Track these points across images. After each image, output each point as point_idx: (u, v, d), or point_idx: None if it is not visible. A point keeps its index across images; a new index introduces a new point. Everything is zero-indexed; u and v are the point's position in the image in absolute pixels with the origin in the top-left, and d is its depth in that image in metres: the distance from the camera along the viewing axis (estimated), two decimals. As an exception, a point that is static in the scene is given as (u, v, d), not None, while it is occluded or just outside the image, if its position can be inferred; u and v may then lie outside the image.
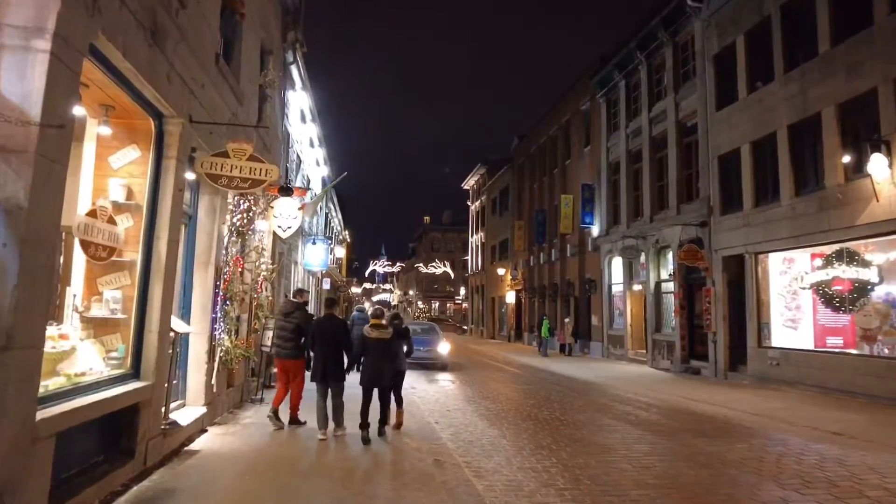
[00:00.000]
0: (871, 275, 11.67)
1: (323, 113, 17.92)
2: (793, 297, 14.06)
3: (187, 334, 7.11)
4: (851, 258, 12.05)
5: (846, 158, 11.95)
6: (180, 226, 6.05)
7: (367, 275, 78.28)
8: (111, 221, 4.89)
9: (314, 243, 17.92)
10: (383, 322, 7.73)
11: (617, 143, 22.87)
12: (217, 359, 7.58)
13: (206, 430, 7.14)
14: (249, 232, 8.57)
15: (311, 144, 18.91)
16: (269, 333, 9.86)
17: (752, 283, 14.82)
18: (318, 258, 18.04)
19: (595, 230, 24.30)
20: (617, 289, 22.85)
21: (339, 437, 7.20)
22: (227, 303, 7.70)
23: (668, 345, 18.87)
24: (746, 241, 14.92)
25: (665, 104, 19.47)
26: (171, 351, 6.19)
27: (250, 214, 8.28)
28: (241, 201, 8.14)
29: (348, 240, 48.42)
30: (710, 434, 8.44)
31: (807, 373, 12.83)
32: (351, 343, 7.54)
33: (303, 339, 7.74)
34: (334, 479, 5.51)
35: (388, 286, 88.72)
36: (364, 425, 7.14)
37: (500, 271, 37.70)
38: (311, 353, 7.66)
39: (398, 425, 8.01)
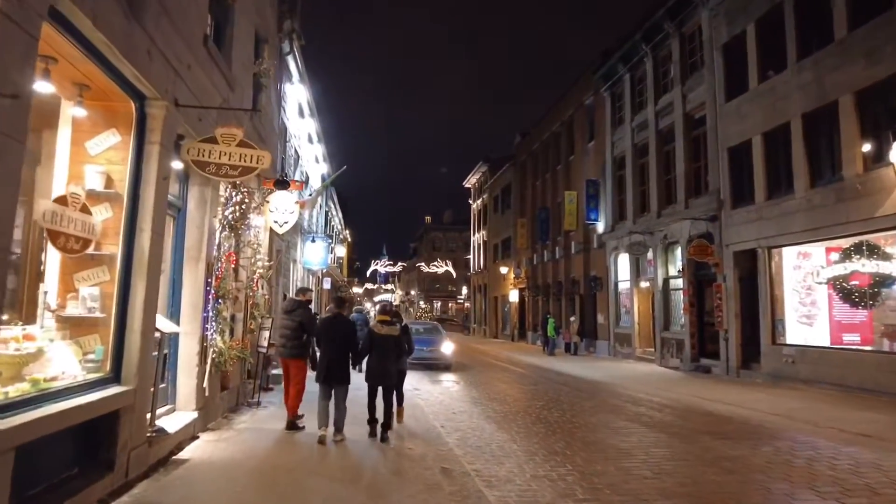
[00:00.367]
0: (892, 268, 11.21)
1: (321, 108, 17.50)
2: (808, 293, 13.60)
3: (176, 334, 6.67)
4: (871, 251, 11.59)
5: (866, 147, 11.50)
6: (165, 217, 5.61)
7: (368, 275, 77.81)
8: (85, 210, 4.45)
9: (314, 241, 17.48)
10: (391, 318, 7.50)
11: (622, 138, 22.41)
12: (209, 360, 7.14)
13: (197, 437, 6.71)
14: (243, 227, 8.12)
15: (310, 140, 18.48)
16: (266, 334, 9.47)
17: (765, 279, 14.36)
18: (317, 256, 17.61)
19: (600, 227, 23.85)
20: (623, 286, 22.39)
21: (339, 442, 6.81)
22: (220, 301, 7.27)
23: (678, 343, 18.41)
24: (759, 236, 14.46)
25: (672, 96, 19.01)
26: (156, 352, 5.75)
27: (244, 207, 7.83)
28: (234, 193, 7.69)
29: (349, 239, 48.01)
30: (730, 436, 8.00)
31: (825, 371, 12.36)
32: (357, 344, 7.25)
33: (304, 338, 7.59)
34: (334, 491, 5.07)
35: (389, 286, 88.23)
36: (372, 420, 7.08)
37: (503, 270, 37.25)
38: (317, 353, 7.43)
39: (398, 421, 7.94)
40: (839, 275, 12.34)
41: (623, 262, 22.35)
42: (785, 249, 14.04)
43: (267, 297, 10.23)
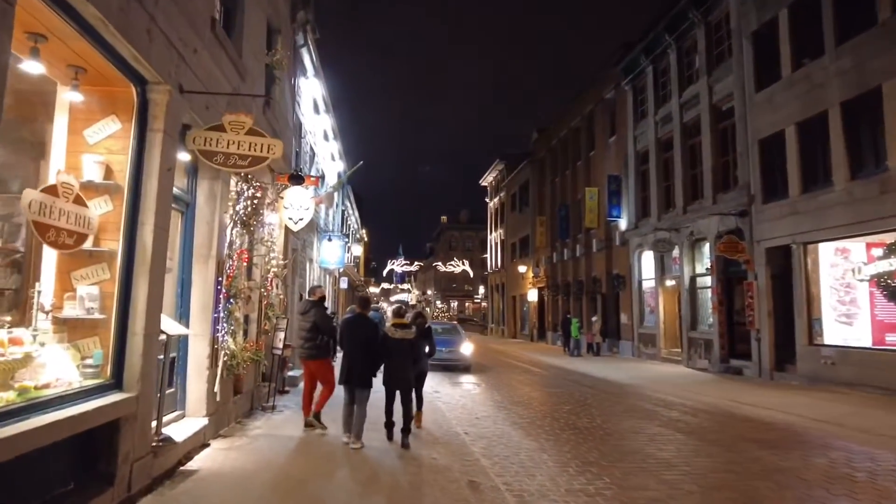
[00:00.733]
0: (943, 264, 10.51)
1: (337, 104, 17.15)
2: (847, 291, 12.90)
3: (185, 337, 6.31)
4: (919, 246, 10.90)
5: (912, 136, 10.81)
6: (170, 211, 5.23)
7: (384, 274, 77.65)
8: (79, 202, 4.08)
9: (330, 240, 17.13)
10: (406, 321, 7.24)
11: (645, 132, 21.76)
12: (220, 363, 6.77)
13: (208, 445, 6.33)
14: (256, 223, 7.74)
15: (326, 137, 18.14)
16: (281, 335, 9.11)
17: (800, 276, 13.67)
18: (334, 255, 17.25)
19: (623, 224, 23.21)
20: (648, 285, 21.74)
21: (357, 450, 6.43)
22: (231, 301, 6.89)
23: (706, 343, 17.75)
24: (794, 231, 13.78)
25: (697, 88, 18.34)
26: (162, 356, 5.38)
27: (256, 202, 7.45)
28: (247, 188, 7.32)
29: (365, 239, 47.78)
30: (776, 445, 7.43)
31: (869, 373, 11.67)
32: (380, 347, 6.91)
33: (320, 338, 7.39)
34: (351, 507, 4.65)
35: (405, 286, 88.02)
36: (389, 424, 6.89)
37: (522, 269, 36.66)
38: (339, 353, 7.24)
39: (417, 426, 7.70)
40: (883, 272, 11.65)
41: (647, 260, 21.71)
42: (822, 245, 13.34)
43: (282, 296, 9.87)
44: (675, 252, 19.52)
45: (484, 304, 62.02)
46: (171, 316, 6.14)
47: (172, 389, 6.18)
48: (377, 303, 48.26)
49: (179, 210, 6.41)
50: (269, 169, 9.16)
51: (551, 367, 18.74)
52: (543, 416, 9.33)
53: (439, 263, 70.53)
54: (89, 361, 4.33)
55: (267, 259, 9.03)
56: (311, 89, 14.29)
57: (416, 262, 79.15)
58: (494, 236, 47.32)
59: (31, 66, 3.83)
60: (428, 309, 74.34)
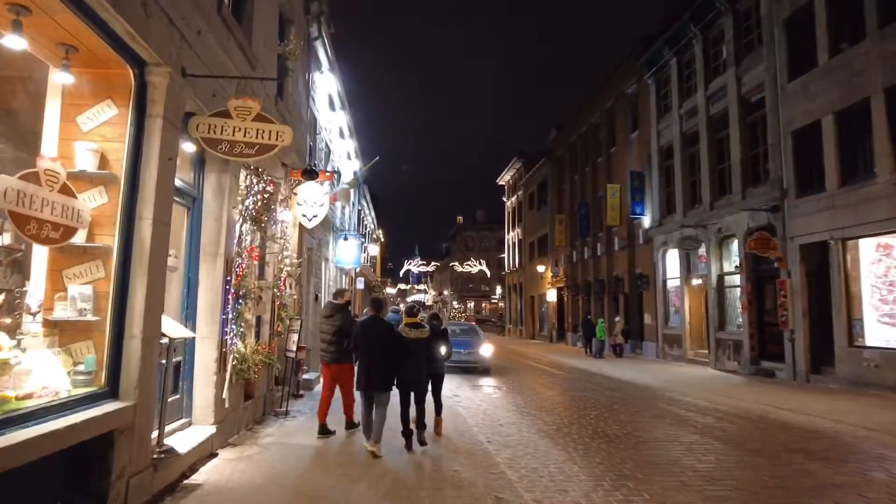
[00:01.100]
0: None
1: (353, 101, 16.79)
2: (890, 289, 12.18)
3: (191, 340, 5.94)
4: (972, 241, 10.19)
5: (965, 123, 10.11)
6: (171, 204, 4.85)
7: (401, 275, 77.41)
8: (67, 192, 3.70)
9: (346, 239, 16.77)
10: (419, 320, 7.15)
11: (669, 126, 21.08)
12: (229, 368, 6.39)
13: (215, 455, 5.95)
14: (268, 220, 7.36)
15: (341, 135, 17.79)
16: (295, 337, 8.74)
17: (838, 274, 12.97)
18: (350, 255, 16.89)
19: (646, 221, 22.53)
20: (672, 284, 21.06)
21: (375, 456, 6.17)
22: (241, 301, 6.51)
23: (735, 344, 17.06)
24: (831, 226, 13.08)
25: (725, 79, 17.65)
26: (164, 360, 5.01)
27: (266, 197, 7.06)
28: (257, 181, 6.94)
29: (382, 239, 47.52)
30: (826, 457, 6.85)
31: (917, 377, 10.97)
32: (399, 348, 6.67)
33: (346, 342, 7.13)
34: (368, 528, 4.22)
35: (422, 286, 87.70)
36: (407, 433, 6.63)
37: (540, 268, 36.06)
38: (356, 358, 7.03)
39: (437, 433, 7.43)
40: (931, 268, 10.95)
41: (672, 259, 21.03)
42: (862, 241, 12.62)
43: (295, 297, 9.49)
44: (702, 250, 18.83)
45: (501, 304, 61.46)
46: (176, 317, 5.78)
47: (178, 396, 5.81)
48: (396, 304, 47.97)
49: (185, 205, 6.05)
50: (281, 164, 8.80)
51: (573, 370, 18.18)
52: (570, 423, 8.82)
53: (456, 263, 70.10)
54: (81, 368, 3.96)
55: (280, 258, 8.67)
56: (325, 84, 13.93)
57: (432, 263, 78.75)
58: (512, 236, 46.75)
59: (14, 42, 3.46)
60: (444, 309, 74.05)
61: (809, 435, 8.10)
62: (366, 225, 31.10)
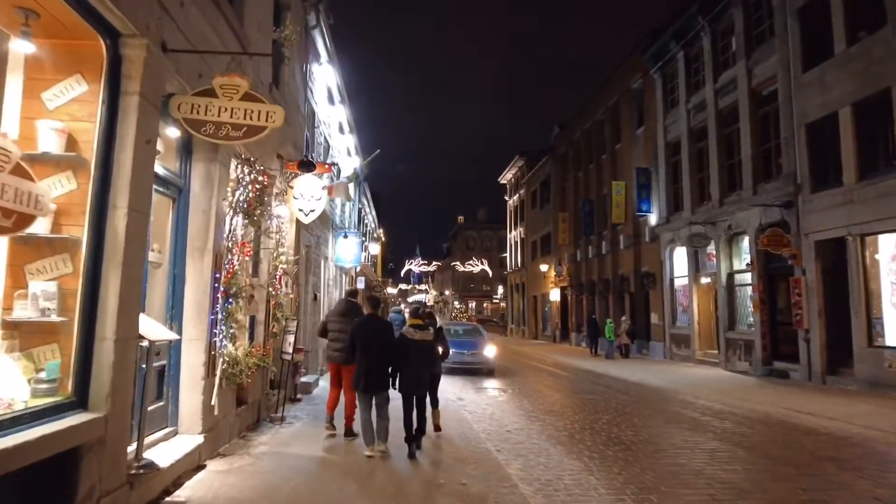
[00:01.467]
0: None
1: (353, 95, 16.31)
2: (911, 287, 11.71)
3: (176, 342, 5.48)
4: None
5: None
6: (150, 192, 4.38)
7: (402, 275, 76.99)
8: (21, 174, 3.23)
9: (346, 237, 16.30)
10: (423, 321, 6.89)
11: (676, 121, 20.61)
12: (219, 372, 5.93)
13: (203, 467, 5.49)
14: (261, 213, 6.89)
15: (341, 130, 17.33)
16: (291, 338, 8.27)
17: (857, 271, 12.49)
18: (350, 253, 16.42)
19: (653, 218, 22.05)
20: (680, 282, 20.58)
21: (383, 454, 6.12)
22: (231, 301, 6.05)
23: (746, 344, 16.59)
24: (849, 222, 12.60)
25: (734, 72, 17.18)
26: (144, 365, 4.55)
27: (259, 188, 6.59)
28: (249, 171, 6.47)
29: (383, 238, 47.07)
30: (861, 466, 6.39)
31: (943, 378, 10.50)
32: (397, 347, 6.53)
33: None
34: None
35: (423, 287, 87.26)
36: (410, 438, 6.39)
37: (543, 267, 35.58)
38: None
39: (436, 427, 7.42)
40: (957, 265, 10.47)
41: (680, 257, 20.56)
42: (882, 237, 12.14)
43: (292, 296, 9.02)
44: (711, 247, 18.36)
45: (503, 304, 60.98)
46: (160, 318, 5.33)
47: (161, 403, 5.35)
48: (397, 304, 47.46)
49: (170, 196, 5.60)
50: (277, 155, 8.35)
51: (579, 371, 17.71)
52: (582, 428, 8.35)
53: (457, 263, 69.65)
54: (42, 375, 3.50)
55: (275, 255, 8.21)
56: (324, 76, 13.48)
57: (433, 262, 78.29)
58: (514, 235, 46.29)
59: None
60: (445, 310, 73.58)
61: (837, 441, 7.63)
62: (366, 223, 30.64)
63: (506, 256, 51.05)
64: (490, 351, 15.78)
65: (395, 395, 6.42)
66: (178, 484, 4.89)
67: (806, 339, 14.02)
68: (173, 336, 4.98)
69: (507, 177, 47.16)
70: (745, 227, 16.52)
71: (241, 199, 6.32)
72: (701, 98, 19.03)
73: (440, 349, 7.65)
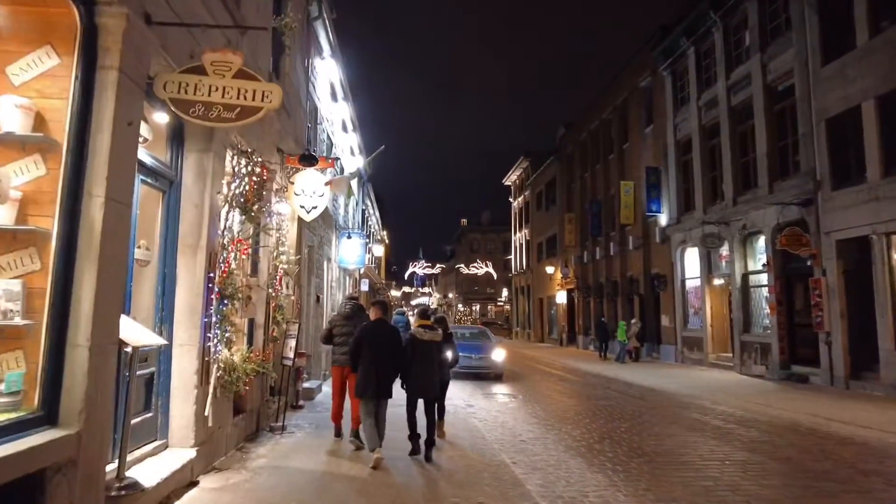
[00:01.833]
0: None
1: (357, 91, 15.88)
2: (940, 288, 11.20)
3: (166, 348, 5.03)
4: None
5: None
6: (132, 179, 3.94)
7: (406, 277, 76.53)
8: (-28, 152, 2.79)
9: (349, 237, 15.86)
10: (431, 322, 6.79)
11: (687, 119, 20.14)
12: (213, 380, 5.47)
13: (195, 483, 5.03)
14: (259, 209, 6.44)
15: (344, 128, 16.89)
16: (292, 342, 7.81)
17: (883, 271, 11.97)
18: (354, 254, 15.97)
19: (663, 219, 21.55)
20: (692, 284, 20.06)
21: (391, 472, 5.74)
22: (226, 302, 5.59)
23: (762, 347, 16.06)
24: (873, 220, 12.10)
25: (748, 67, 16.70)
26: (128, 373, 4.10)
27: (256, 180, 6.14)
28: (247, 163, 6.03)
29: (386, 241, 46.65)
30: (909, 480, 5.88)
31: (978, 383, 9.98)
32: (405, 353, 6.41)
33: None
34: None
35: (426, 289, 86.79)
36: (415, 436, 6.34)
37: (549, 270, 35.08)
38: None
39: (439, 434, 7.09)
40: None
41: (691, 257, 20.05)
42: (908, 235, 11.65)
43: (293, 297, 8.57)
44: (725, 248, 17.85)
45: (507, 307, 60.44)
46: (148, 321, 4.88)
47: (149, 414, 4.90)
48: (402, 306, 46.97)
49: (160, 188, 5.16)
50: (277, 149, 7.91)
51: (589, 375, 17.20)
52: (601, 438, 7.86)
53: (461, 266, 69.15)
54: (1, 388, 3.04)
55: (275, 254, 7.76)
56: (327, 71, 13.04)
57: (437, 265, 77.82)
58: (519, 237, 45.80)
59: None
60: (449, 312, 73.05)
61: (877, 452, 7.13)
62: (370, 225, 30.20)
63: (510, 259, 50.55)
64: (498, 355, 15.29)
65: (396, 402, 6.10)
66: (167, 503, 4.43)
67: (827, 343, 13.50)
68: (160, 341, 4.52)
69: (511, 178, 46.71)
70: (760, 226, 16.03)
71: (238, 192, 5.87)
72: (713, 95, 18.56)
73: (449, 354, 7.47)
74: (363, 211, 24.89)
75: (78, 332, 3.37)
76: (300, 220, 8.99)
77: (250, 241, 6.46)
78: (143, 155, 4.67)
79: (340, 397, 7.16)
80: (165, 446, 5.07)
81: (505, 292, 63.63)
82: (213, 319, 5.43)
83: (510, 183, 47.51)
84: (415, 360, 6.31)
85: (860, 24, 12.48)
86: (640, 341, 21.87)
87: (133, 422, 4.52)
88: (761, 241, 16.34)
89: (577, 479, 5.81)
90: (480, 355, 15.12)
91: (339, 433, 7.11)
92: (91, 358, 3.39)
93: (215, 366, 5.50)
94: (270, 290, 7.59)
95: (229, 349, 5.82)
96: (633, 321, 22.23)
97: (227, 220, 5.74)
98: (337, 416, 7.16)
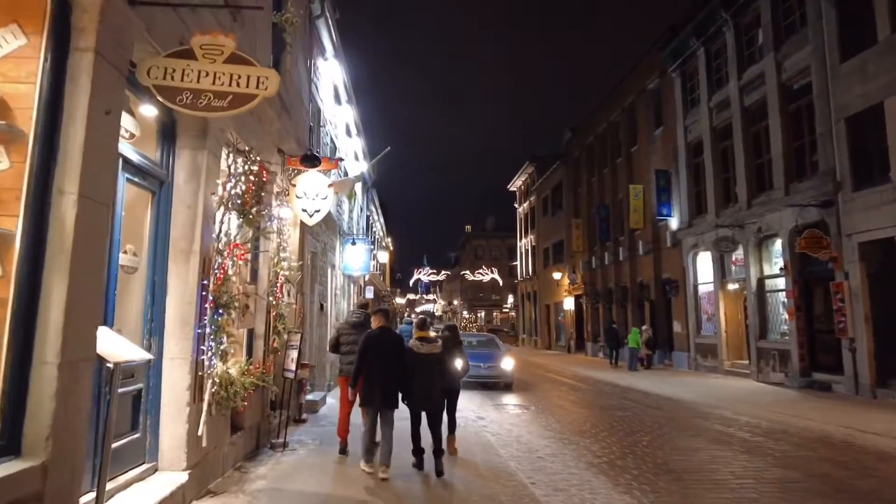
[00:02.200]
0: None
1: (361, 94, 15.53)
2: (971, 291, 10.70)
3: (156, 362, 4.61)
4: None
5: None
6: (113, 175, 3.53)
7: (411, 284, 76.08)
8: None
9: (354, 244, 15.45)
10: (430, 334, 6.70)
11: (697, 121, 19.70)
12: (207, 396, 5.04)
13: (187, 510, 4.60)
14: (256, 210, 6.03)
15: (348, 132, 16.54)
16: (294, 353, 7.39)
17: (909, 274, 11.48)
18: (358, 261, 15.56)
19: (674, 223, 21.07)
20: (705, 289, 19.56)
21: (385, 480, 5.67)
22: (221, 312, 5.17)
23: (780, 354, 15.53)
24: (899, 221, 11.61)
25: (762, 67, 16.27)
26: (108, 388, 3.68)
27: (255, 180, 5.74)
28: (243, 161, 5.62)
29: (391, 248, 46.27)
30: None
31: None
32: (408, 363, 6.23)
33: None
34: None
35: (431, 296, 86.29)
36: (419, 450, 6.22)
37: (556, 276, 34.56)
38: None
39: (451, 453, 6.93)
40: None
41: (704, 262, 19.55)
42: (936, 237, 11.16)
43: (295, 305, 8.15)
44: (739, 252, 17.36)
45: (513, 313, 59.83)
46: (136, 333, 4.49)
47: (137, 435, 4.48)
48: (409, 315, 46.48)
49: (149, 189, 4.76)
50: (277, 150, 7.52)
51: (602, 383, 16.70)
52: (623, 453, 7.39)
53: (467, 272, 68.68)
54: (-49, 413, 2.62)
55: (276, 261, 7.35)
56: (330, 72, 12.69)
57: (443, 272, 77.37)
58: (524, 242, 45.34)
59: None
60: (454, 319, 72.49)
61: (922, 468, 6.64)
62: (375, 232, 29.82)
63: (516, 265, 50.07)
64: (508, 363, 14.82)
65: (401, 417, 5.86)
66: (152, 537, 3.99)
67: (851, 349, 12.97)
68: (146, 356, 4.09)
69: (516, 183, 46.31)
70: (776, 229, 15.53)
71: (234, 194, 5.46)
72: (724, 96, 18.14)
73: (459, 364, 7.28)
74: (368, 217, 24.52)
75: (45, 348, 2.96)
76: (302, 225, 8.59)
77: (248, 245, 6.05)
78: (129, 151, 4.28)
79: (347, 408, 6.84)
80: (155, 469, 4.65)
81: (510, 299, 63.11)
82: (207, 330, 5.00)
83: (515, 188, 47.10)
84: (414, 373, 6.15)
85: (881, 19, 12.04)
86: (651, 348, 21.33)
87: (117, 444, 4.11)
88: (777, 245, 15.85)
89: (604, 502, 5.34)
90: (489, 364, 14.66)
91: (344, 450, 6.75)
92: (61, 377, 2.97)
93: (210, 381, 5.07)
94: (271, 299, 7.18)
95: (225, 362, 5.40)
96: (643, 328, 21.71)
97: (222, 223, 5.33)
98: (343, 430, 6.88)
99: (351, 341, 6.86)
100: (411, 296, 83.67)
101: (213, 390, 5.10)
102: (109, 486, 3.76)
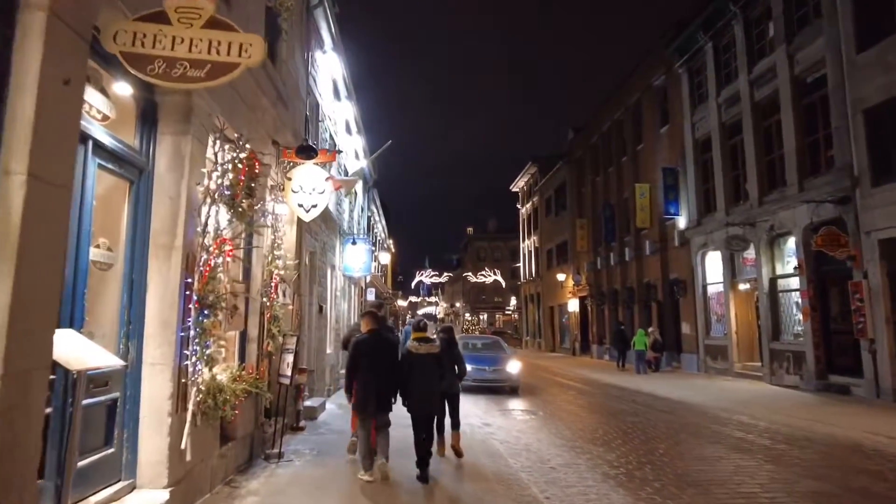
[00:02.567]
0: None
1: (361, 90, 15.09)
2: None
3: (132, 368, 4.16)
4: None
5: None
6: (71, 154, 3.06)
7: (413, 286, 75.61)
8: None
9: (354, 243, 15.00)
10: (428, 335, 6.55)
11: (705, 117, 19.24)
12: (191, 405, 4.59)
13: (168, 533, 4.14)
14: (247, 203, 5.59)
15: (348, 130, 16.10)
16: (290, 357, 6.94)
17: (933, 273, 11.01)
18: (359, 262, 15.11)
19: (682, 221, 20.60)
20: (714, 289, 19.07)
21: (385, 478, 5.65)
22: (207, 313, 4.72)
23: (795, 356, 15.04)
24: (922, 217, 11.14)
25: (772, 60, 15.82)
26: (72, 403, 3.23)
27: (246, 168, 5.29)
28: (230, 147, 5.18)
29: (392, 250, 45.83)
30: None
31: None
32: (402, 367, 6.17)
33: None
34: None
35: (433, 299, 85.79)
36: (422, 462, 5.91)
37: (560, 277, 34.10)
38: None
39: (457, 453, 6.87)
40: None
41: (713, 261, 19.07)
42: (962, 233, 10.69)
43: (291, 307, 7.70)
44: (750, 250, 16.88)
45: (515, 315, 59.32)
46: (111, 337, 4.04)
47: (111, 450, 4.03)
48: (411, 317, 45.99)
49: (126, 177, 4.32)
50: (272, 142, 7.08)
51: (610, 387, 16.21)
52: (640, 462, 6.92)
53: (469, 274, 68.26)
54: None
55: (270, 259, 6.90)
56: (329, 66, 12.25)
57: (445, 274, 76.92)
58: (527, 244, 44.86)
59: None
60: (456, 321, 71.97)
61: (966, 479, 6.16)
62: (376, 233, 29.37)
63: (519, 266, 49.59)
64: (514, 367, 14.35)
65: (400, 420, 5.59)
66: (124, 567, 3.54)
67: (871, 350, 12.48)
68: (116, 362, 3.64)
69: (519, 184, 45.85)
70: (790, 226, 15.06)
71: (223, 185, 5.01)
72: (734, 91, 17.68)
73: (456, 367, 7.26)
74: (369, 217, 24.07)
75: (-14, 355, 2.51)
76: (300, 222, 8.14)
77: (239, 241, 5.60)
78: (101, 134, 3.85)
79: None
80: (132, 487, 4.20)
81: (513, 301, 62.58)
82: (192, 333, 4.56)
83: (518, 189, 46.64)
84: (413, 375, 6.05)
85: (901, 7, 11.60)
86: (658, 351, 20.81)
87: (86, 461, 3.67)
88: (791, 243, 15.37)
89: (626, 520, 4.88)
90: (495, 367, 14.20)
91: (354, 451, 6.56)
92: (5, 390, 2.52)
93: (194, 388, 4.62)
94: (265, 300, 6.74)
95: (212, 368, 4.94)
96: (650, 330, 21.20)
97: (209, 216, 4.88)
98: (355, 425, 6.62)
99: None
100: (413, 298, 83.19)
101: (198, 399, 4.65)
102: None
